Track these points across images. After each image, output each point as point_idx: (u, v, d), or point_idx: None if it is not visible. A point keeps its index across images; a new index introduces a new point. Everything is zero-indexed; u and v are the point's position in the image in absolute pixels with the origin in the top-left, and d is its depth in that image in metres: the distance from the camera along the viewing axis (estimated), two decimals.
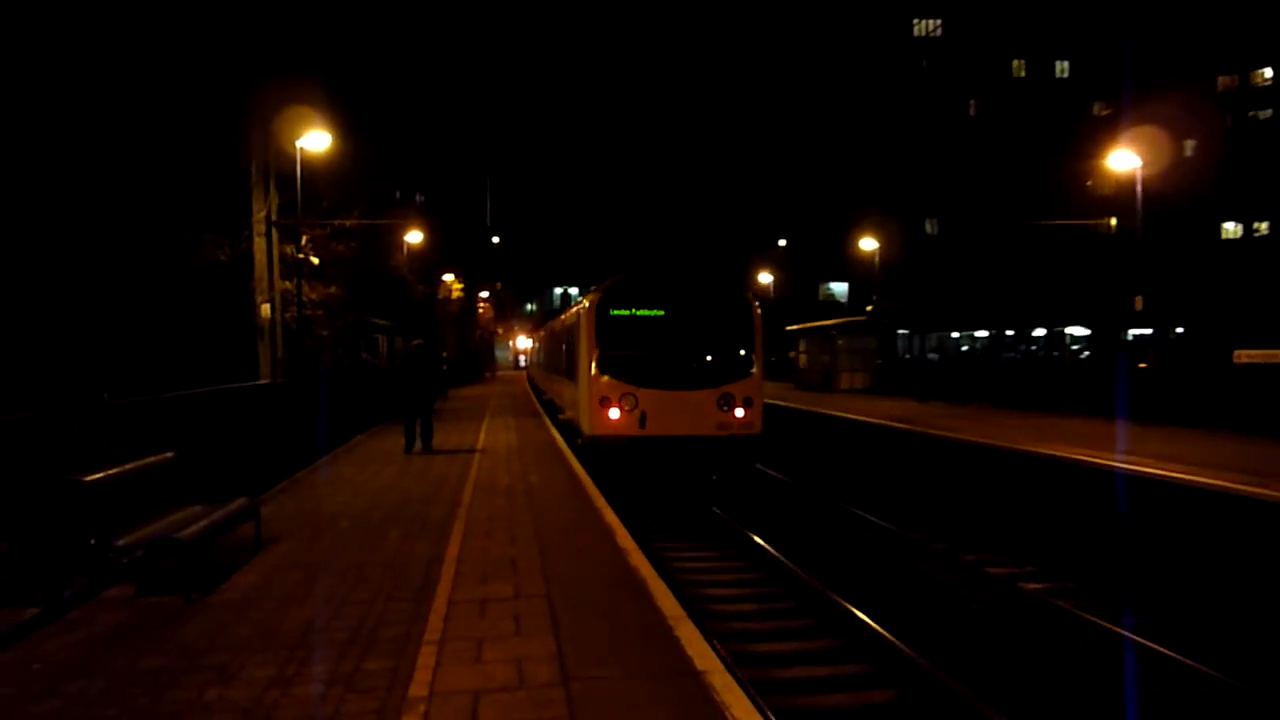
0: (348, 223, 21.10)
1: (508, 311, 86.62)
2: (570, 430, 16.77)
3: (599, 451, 13.53)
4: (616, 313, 13.81)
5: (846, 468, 19.39)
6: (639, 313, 13.85)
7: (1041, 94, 59.12)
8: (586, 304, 14.29)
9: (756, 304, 14.20)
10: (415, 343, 16.48)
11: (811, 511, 15.23)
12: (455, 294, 42.65)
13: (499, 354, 77.48)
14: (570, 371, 16.26)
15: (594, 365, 13.66)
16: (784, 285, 55.94)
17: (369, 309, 25.76)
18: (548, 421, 22.28)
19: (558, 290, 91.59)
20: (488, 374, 58.65)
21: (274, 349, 17.69)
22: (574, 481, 12.20)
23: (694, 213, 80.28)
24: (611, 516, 9.65)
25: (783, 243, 63.74)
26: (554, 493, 11.29)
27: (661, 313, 13.81)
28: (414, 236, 32.50)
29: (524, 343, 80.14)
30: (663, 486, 14.13)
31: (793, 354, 37.79)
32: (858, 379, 31.49)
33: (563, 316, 21.06)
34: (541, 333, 34.20)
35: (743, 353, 13.88)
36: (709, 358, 13.74)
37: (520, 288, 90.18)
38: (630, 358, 13.65)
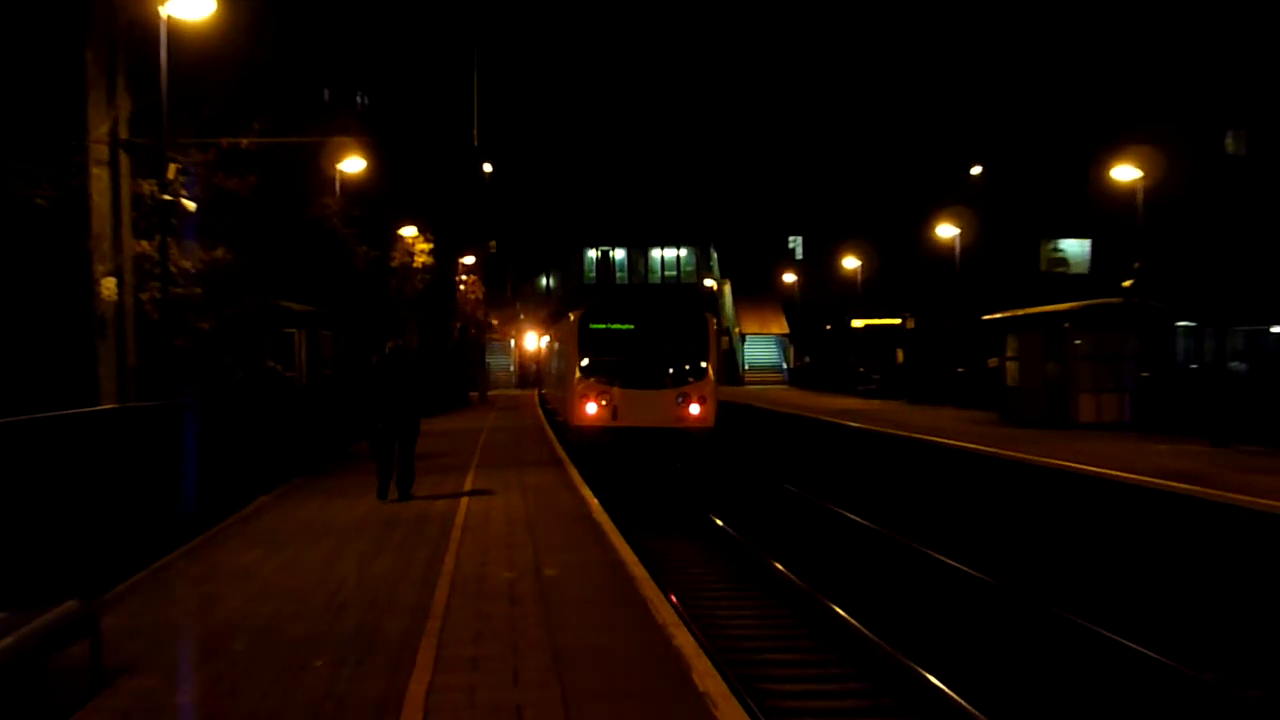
0: (243, 142, 21.41)
1: (510, 291, 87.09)
2: (562, 427, 31.26)
3: (582, 439, 27.17)
4: (595, 326, 27.64)
5: (1082, 556, 19.14)
6: (613, 326, 27.65)
7: None
8: (572, 318, 28.59)
9: (713, 319, 28.64)
10: (392, 345, 18.99)
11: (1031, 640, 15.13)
12: (420, 260, 43.08)
13: (493, 360, 78.06)
14: (562, 375, 31.18)
15: (577, 369, 27.34)
16: (979, 241, 55.40)
17: (279, 286, 26.16)
18: (574, 473, 22.55)
19: (591, 253, 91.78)
20: (474, 394, 59.16)
21: (123, 352, 18.03)
22: (618, 575, 12.31)
23: (829, 132, 79.66)
24: (685, 638, 9.62)
25: (978, 170, 63.01)
26: (585, 594, 11.41)
27: (631, 326, 27.55)
28: (353, 164, 32.87)
29: (533, 341, 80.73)
30: (634, 466, 26.96)
31: (995, 362, 37.40)
32: (1108, 405, 31.02)
33: (555, 327, 39.22)
34: (553, 331, 46.28)
35: (698, 359, 27.33)
36: (669, 363, 27.17)
37: (529, 251, 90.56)
38: (606, 363, 27.19)
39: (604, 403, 27.02)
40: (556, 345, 35.48)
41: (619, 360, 27.44)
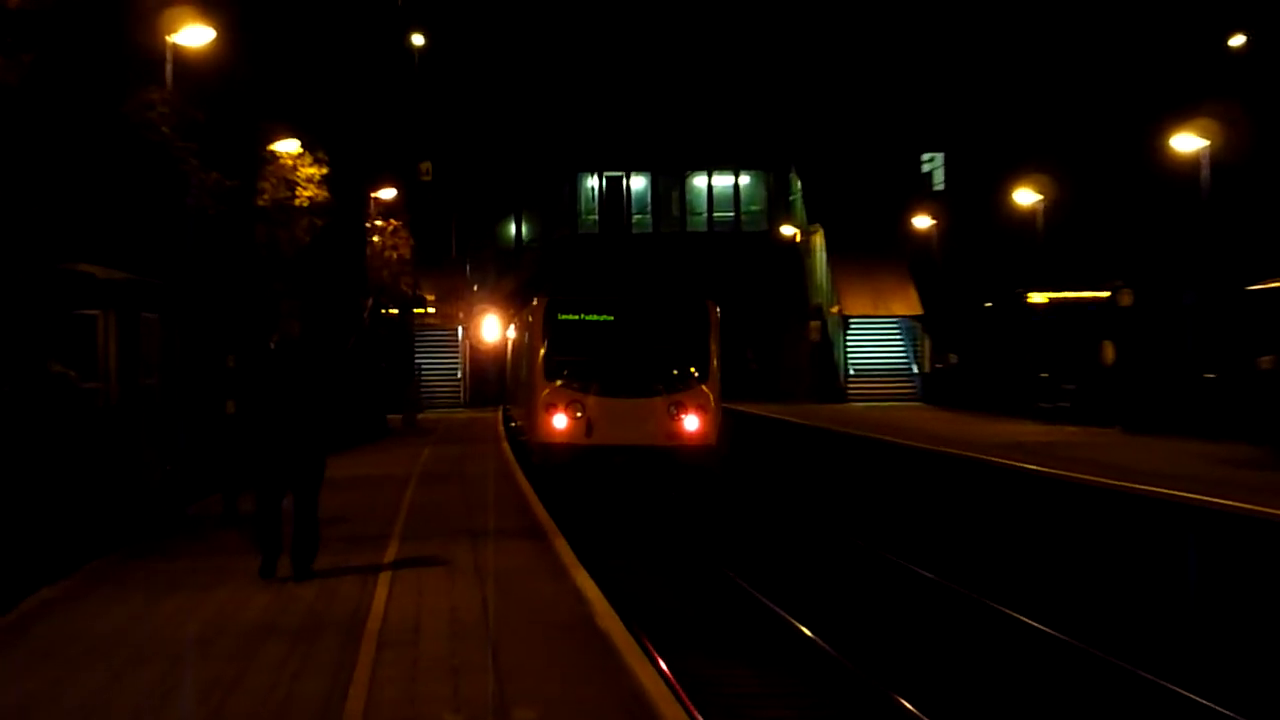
0: None
1: (456, 246, 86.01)
2: (525, 449, 39.26)
3: (547, 462, 34.29)
4: (565, 317, 34.74)
5: None
6: (588, 317, 34.80)
7: None
8: (537, 306, 35.72)
9: (715, 308, 35.12)
10: (280, 336, 19.62)
11: None
12: (307, 194, 42.84)
13: (427, 360, 77.48)
14: (523, 379, 39.62)
15: (541, 371, 34.36)
16: (1243, 161, 54.85)
17: (71, 238, 25.99)
18: (563, 548, 22.81)
19: (592, 183, 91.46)
20: (396, 417, 59.10)
21: None
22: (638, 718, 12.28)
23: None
24: None
25: (1240, 40, 62.48)
26: None
27: (611, 317, 34.84)
28: (194, 35, 32.74)
29: (494, 330, 79.74)
30: (612, 500, 33.25)
31: (1268, 362, 37.09)
32: None
33: (519, 316, 48.18)
34: (516, 321, 54.20)
35: (697, 359, 34.26)
36: (660, 365, 34.11)
37: (488, 180, 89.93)
38: (578, 363, 33.99)
39: (575, 415, 33.96)
40: (517, 340, 44.53)
41: (596, 360, 34.54)
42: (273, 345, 19.47)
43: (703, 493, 34.75)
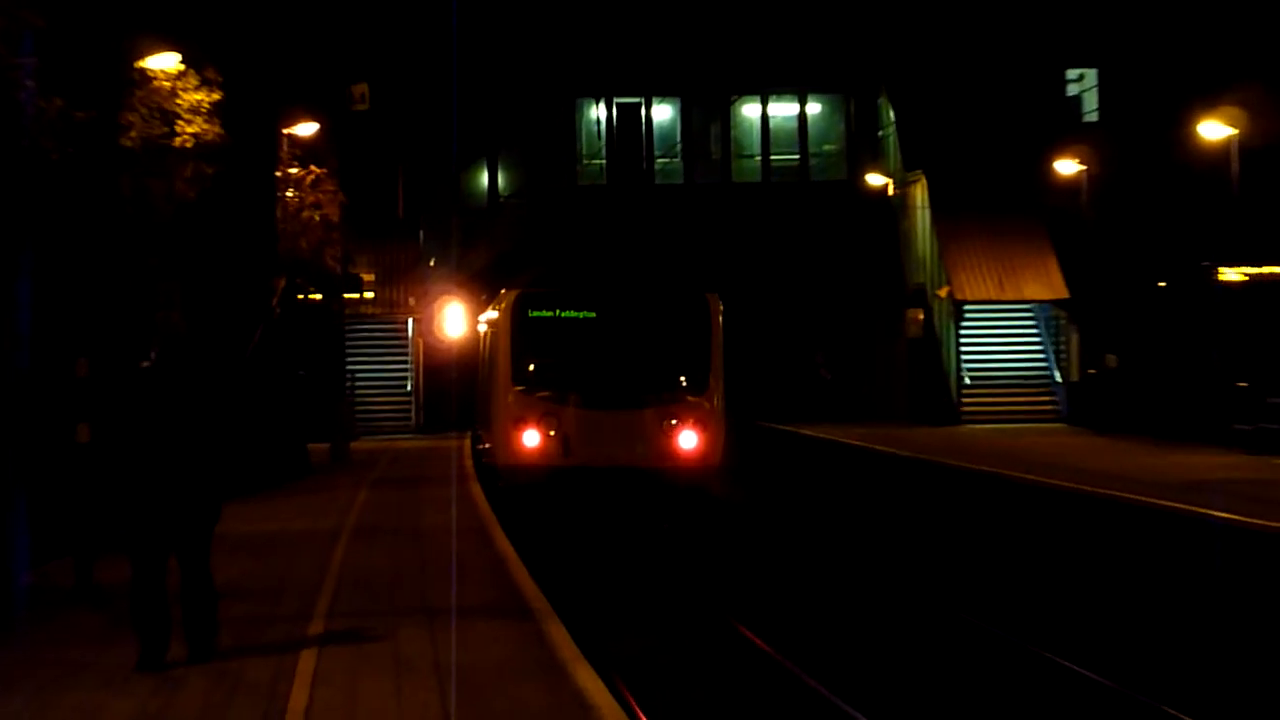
0: None
1: (403, 205, 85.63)
2: (491, 472, 47.03)
3: (514, 487, 41.41)
4: (538, 314, 41.29)
5: None
6: (565, 314, 41.23)
7: None
8: (504, 302, 42.43)
9: (719, 303, 41.93)
10: (165, 326, 21.01)
11: None
12: (191, 131, 42.74)
13: (363, 367, 77.45)
14: (489, 389, 46.10)
15: (508, 378, 41.26)
16: None
17: None
18: (556, 634, 22.76)
19: (596, 113, 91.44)
20: (324, 446, 59.22)
21: None
22: None
23: None
24: None
25: None
26: None
27: (593, 314, 41.32)
28: None
29: (458, 323, 79.15)
30: (593, 534, 37.72)
31: None
32: None
33: (487, 310, 54.34)
34: (486, 316, 57.22)
35: (695, 364, 41.04)
36: (650, 370, 40.87)
37: (451, 113, 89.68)
38: (553, 369, 40.96)
39: (550, 430, 38.97)
40: (483, 340, 51.08)
41: (573, 365, 40.19)
42: (153, 354, 19.23)
43: (734, 536, 38.98)
